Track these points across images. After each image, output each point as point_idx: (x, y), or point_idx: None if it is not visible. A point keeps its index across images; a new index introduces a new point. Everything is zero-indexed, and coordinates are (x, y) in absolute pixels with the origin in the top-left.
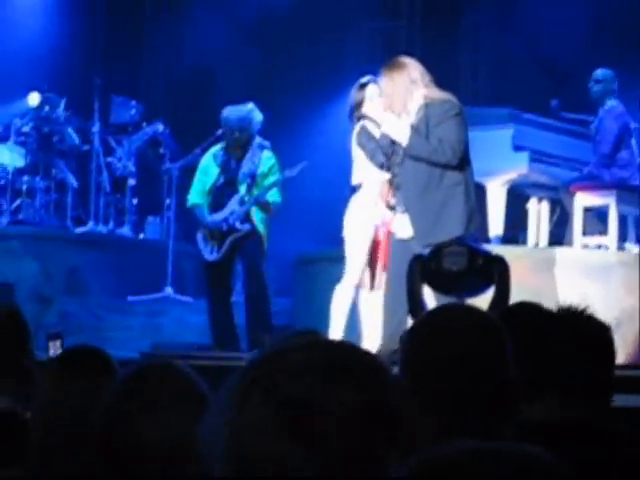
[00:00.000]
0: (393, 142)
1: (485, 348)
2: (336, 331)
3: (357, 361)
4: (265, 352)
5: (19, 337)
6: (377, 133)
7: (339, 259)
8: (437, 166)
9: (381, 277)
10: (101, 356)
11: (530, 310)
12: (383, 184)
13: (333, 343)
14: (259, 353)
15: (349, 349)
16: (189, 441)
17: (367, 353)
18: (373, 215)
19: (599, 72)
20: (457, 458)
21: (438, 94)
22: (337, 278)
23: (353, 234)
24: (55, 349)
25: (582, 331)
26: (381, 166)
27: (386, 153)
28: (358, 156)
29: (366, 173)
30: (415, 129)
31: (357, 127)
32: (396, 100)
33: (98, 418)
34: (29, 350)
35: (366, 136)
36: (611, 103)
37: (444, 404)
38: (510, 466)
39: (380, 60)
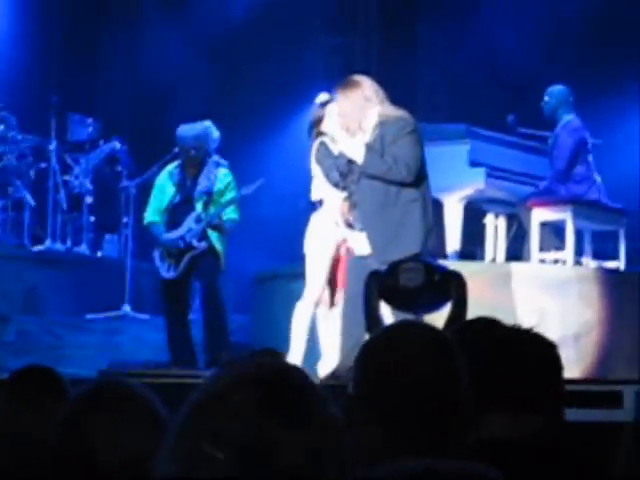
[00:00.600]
0: (350, 161)
1: (437, 366)
2: (297, 348)
3: (292, 395)
4: (201, 396)
5: None
6: (336, 151)
7: (297, 276)
8: (393, 184)
9: (340, 294)
10: (51, 377)
11: (485, 326)
12: (342, 202)
13: (266, 375)
14: (196, 396)
15: (284, 379)
16: (142, 459)
17: (303, 383)
18: (334, 232)
19: (551, 89)
20: (410, 477)
21: (393, 112)
22: (295, 295)
23: (314, 252)
24: None
25: (527, 349)
26: (336, 184)
27: (342, 172)
28: (317, 173)
29: (326, 190)
30: (370, 147)
31: (316, 144)
32: (351, 119)
33: (52, 435)
34: None
35: (324, 153)
36: (567, 118)
37: (396, 421)
38: None
39: (337, 76)
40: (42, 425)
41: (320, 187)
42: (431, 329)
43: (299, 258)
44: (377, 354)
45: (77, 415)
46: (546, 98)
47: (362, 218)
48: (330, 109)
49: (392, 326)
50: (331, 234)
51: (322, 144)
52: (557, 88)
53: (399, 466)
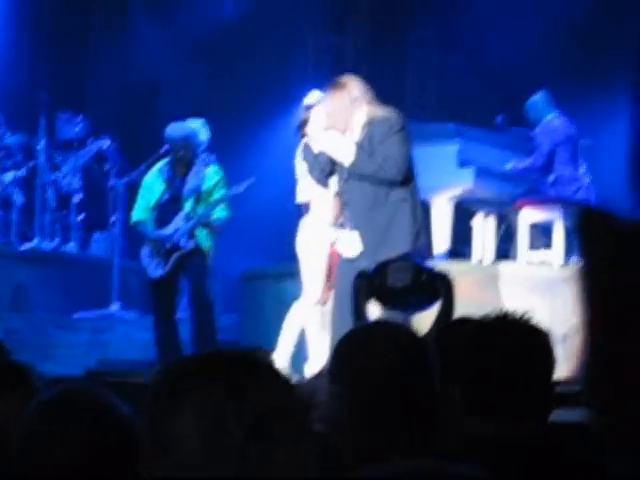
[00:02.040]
0: (333, 161)
1: (409, 365)
2: (284, 348)
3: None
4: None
5: None
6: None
7: (286, 275)
8: (383, 183)
9: (329, 294)
10: (20, 373)
11: (470, 324)
12: (333, 201)
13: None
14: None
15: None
16: (104, 467)
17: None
18: (326, 233)
19: (529, 102)
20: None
21: (381, 111)
22: (284, 294)
23: (308, 254)
24: None
25: (519, 336)
26: (318, 181)
27: (323, 169)
28: (303, 174)
29: (313, 191)
30: (359, 147)
31: (300, 145)
32: (338, 119)
33: (16, 441)
34: None
35: (307, 152)
36: (547, 119)
37: (371, 421)
38: None
39: (326, 76)
40: (7, 422)
41: (306, 188)
42: (402, 329)
43: (288, 257)
44: (347, 353)
45: (37, 423)
46: (528, 112)
47: (352, 218)
48: (314, 112)
49: (364, 327)
50: (323, 234)
51: (306, 145)
52: (533, 100)
53: (385, 468)
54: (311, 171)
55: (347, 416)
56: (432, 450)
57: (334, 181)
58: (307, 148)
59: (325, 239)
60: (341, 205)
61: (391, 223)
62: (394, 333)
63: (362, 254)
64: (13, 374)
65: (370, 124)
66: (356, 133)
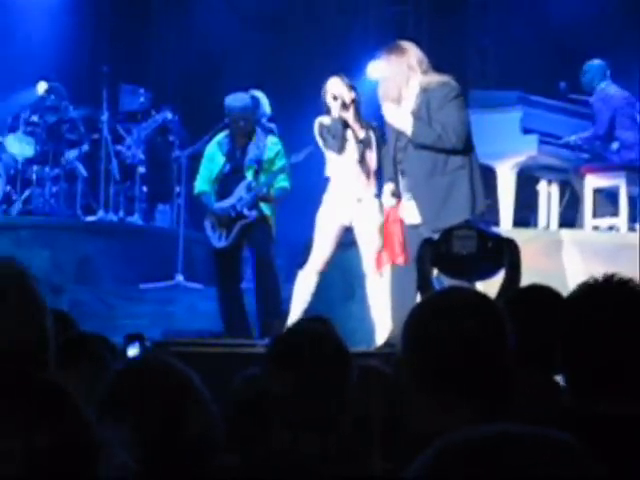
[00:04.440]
0: (346, 125)
1: (483, 331)
2: (294, 315)
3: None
4: None
5: None
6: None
7: (348, 244)
8: (442, 151)
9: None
10: (87, 344)
11: (542, 292)
12: (349, 174)
13: None
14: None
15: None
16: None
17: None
18: (336, 205)
19: (586, 65)
20: (483, 441)
21: (436, 78)
22: (346, 263)
23: (318, 223)
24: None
25: (617, 301)
26: (338, 150)
27: (340, 136)
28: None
29: (332, 165)
30: (417, 117)
31: (315, 123)
32: (392, 85)
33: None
34: None
35: (321, 130)
36: (600, 87)
37: (440, 383)
38: (540, 451)
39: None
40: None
41: (329, 163)
42: (478, 295)
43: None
44: (424, 320)
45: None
46: (582, 74)
47: (411, 187)
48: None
49: (439, 292)
50: (332, 208)
51: (320, 124)
52: (590, 64)
53: (471, 431)
54: (329, 147)
55: (419, 385)
56: (498, 416)
57: (351, 149)
58: (321, 127)
59: (333, 212)
60: (396, 173)
61: (450, 190)
62: (472, 299)
63: (423, 222)
64: (80, 346)
65: (426, 91)
66: (410, 102)
